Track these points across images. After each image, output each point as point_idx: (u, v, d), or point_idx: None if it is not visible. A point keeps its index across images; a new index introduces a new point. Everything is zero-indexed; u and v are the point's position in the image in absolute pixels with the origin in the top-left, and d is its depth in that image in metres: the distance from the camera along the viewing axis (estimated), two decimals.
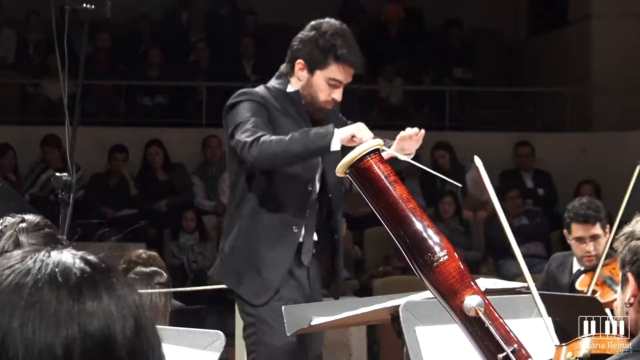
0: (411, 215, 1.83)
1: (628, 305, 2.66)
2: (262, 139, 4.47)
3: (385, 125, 11.59)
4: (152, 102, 12.66)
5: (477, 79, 13.40)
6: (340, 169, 1.84)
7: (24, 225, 2.08)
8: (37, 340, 1.22)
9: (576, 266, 5.89)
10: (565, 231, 5.87)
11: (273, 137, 4.48)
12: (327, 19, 4.69)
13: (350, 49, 4.63)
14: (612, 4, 12.55)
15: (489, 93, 13.60)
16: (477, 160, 2.78)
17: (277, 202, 4.61)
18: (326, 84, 4.62)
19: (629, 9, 12.42)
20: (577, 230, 5.75)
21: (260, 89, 4.71)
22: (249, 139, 4.47)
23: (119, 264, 4.66)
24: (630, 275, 2.66)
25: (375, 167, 1.83)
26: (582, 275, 5.78)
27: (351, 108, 10.66)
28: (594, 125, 12.44)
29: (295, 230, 4.62)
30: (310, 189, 4.66)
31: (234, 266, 4.65)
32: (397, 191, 1.83)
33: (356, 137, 4.47)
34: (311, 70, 4.62)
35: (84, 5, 4.17)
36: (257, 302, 4.58)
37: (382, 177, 1.83)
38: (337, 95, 4.66)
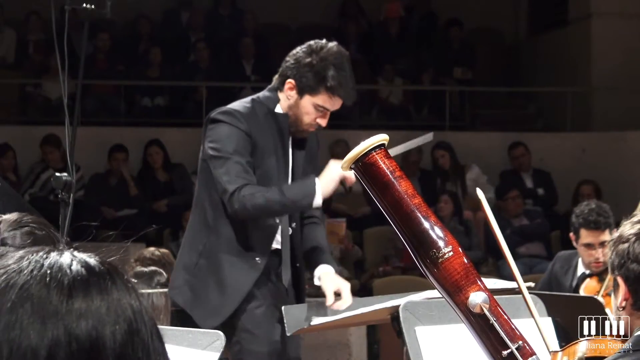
0: (416, 211, 1.83)
1: (620, 309, 2.66)
2: (243, 191, 4.40)
3: (386, 125, 11.61)
4: (152, 102, 12.66)
5: (477, 79, 13.40)
6: (345, 164, 1.85)
7: None
8: (23, 341, 1.19)
9: (581, 268, 5.82)
10: (572, 235, 5.78)
11: (254, 191, 4.40)
12: (330, 44, 4.53)
13: (343, 81, 4.48)
14: (612, 4, 12.55)
15: (488, 93, 13.60)
16: (480, 193, 2.76)
17: (244, 230, 4.54)
18: (313, 109, 4.52)
19: (629, 9, 12.42)
20: (586, 236, 5.66)
21: (248, 104, 4.61)
22: (231, 188, 4.40)
23: (129, 263, 4.66)
24: (620, 279, 2.66)
25: (381, 162, 1.83)
26: (587, 280, 5.71)
27: (351, 108, 10.66)
28: (594, 125, 12.44)
29: (259, 261, 4.54)
30: (277, 221, 4.58)
31: (192, 285, 4.58)
32: (403, 187, 1.83)
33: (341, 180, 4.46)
34: (300, 92, 4.51)
35: (84, 5, 4.17)
36: (205, 326, 4.33)
37: (388, 172, 1.82)
38: (323, 121, 4.56)
